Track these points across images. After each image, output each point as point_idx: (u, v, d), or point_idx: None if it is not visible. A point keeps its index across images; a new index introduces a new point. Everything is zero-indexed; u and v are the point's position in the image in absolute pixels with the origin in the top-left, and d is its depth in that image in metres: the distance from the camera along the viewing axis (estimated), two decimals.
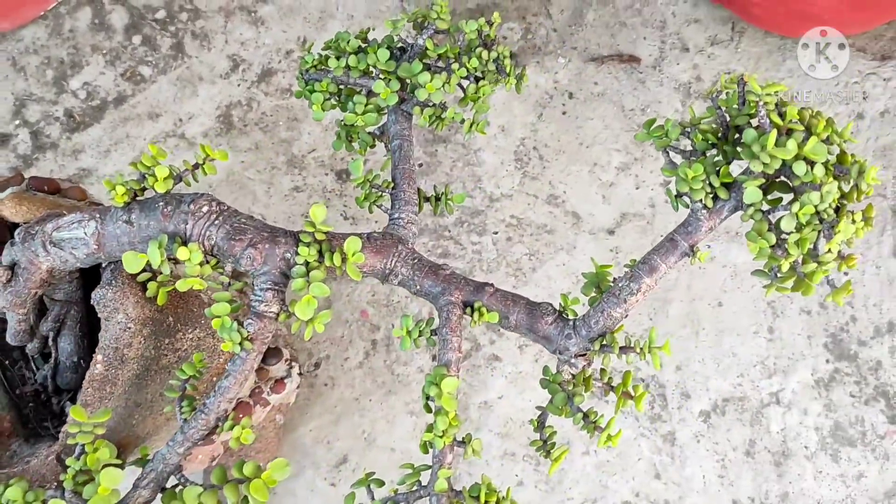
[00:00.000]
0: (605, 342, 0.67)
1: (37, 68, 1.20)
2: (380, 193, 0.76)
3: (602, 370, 0.73)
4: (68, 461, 0.62)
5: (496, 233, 1.16)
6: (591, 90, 1.20)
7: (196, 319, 0.77)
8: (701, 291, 1.14)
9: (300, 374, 1.01)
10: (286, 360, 0.99)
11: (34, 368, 0.79)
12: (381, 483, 0.70)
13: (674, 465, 1.10)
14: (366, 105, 0.80)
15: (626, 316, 0.67)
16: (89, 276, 0.75)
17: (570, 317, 0.70)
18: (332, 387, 1.14)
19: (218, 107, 1.20)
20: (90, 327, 0.77)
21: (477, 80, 0.82)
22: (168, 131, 1.19)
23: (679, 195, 0.67)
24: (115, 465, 0.60)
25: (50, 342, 0.74)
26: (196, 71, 1.21)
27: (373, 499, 0.68)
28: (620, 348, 0.66)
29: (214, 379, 0.82)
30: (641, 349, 0.66)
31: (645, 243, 1.14)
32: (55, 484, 0.65)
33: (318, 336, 1.15)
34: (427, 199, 0.80)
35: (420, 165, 1.19)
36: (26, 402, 0.78)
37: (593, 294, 0.71)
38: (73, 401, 0.78)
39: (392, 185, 0.76)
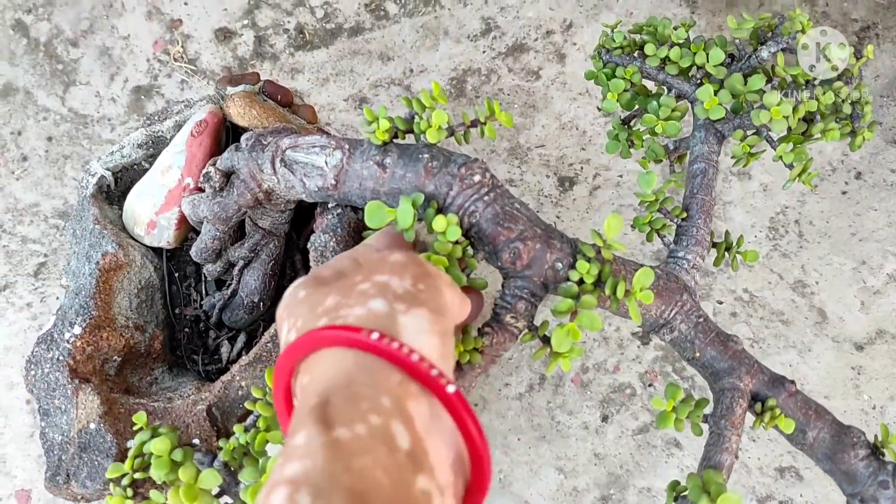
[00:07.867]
0: None
1: None
2: (667, 222, 0.61)
3: None
4: (235, 428, 0.50)
5: (721, 302, 0.97)
6: (885, 177, 1.00)
7: None
8: None
9: None
10: None
11: (203, 291, 0.68)
12: None
13: None
14: (672, 110, 0.64)
15: None
16: (299, 212, 0.63)
17: (889, 458, 0.52)
18: (482, 409, 0.99)
19: (455, 68, 1.08)
20: (282, 269, 0.65)
21: (807, 121, 0.66)
22: (395, 78, 1.07)
23: None
24: None
25: (235, 271, 0.63)
26: (444, 24, 1.09)
27: None
28: None
29: None
30: None
31: None
32: (202, 445, 0.53)
33: None
34: (714, 245, 0.64)
35: None
36: (182, 326, 0.68)
37: None
38: (232, 341, 0.67)
39: (685, 215, 0.60)
